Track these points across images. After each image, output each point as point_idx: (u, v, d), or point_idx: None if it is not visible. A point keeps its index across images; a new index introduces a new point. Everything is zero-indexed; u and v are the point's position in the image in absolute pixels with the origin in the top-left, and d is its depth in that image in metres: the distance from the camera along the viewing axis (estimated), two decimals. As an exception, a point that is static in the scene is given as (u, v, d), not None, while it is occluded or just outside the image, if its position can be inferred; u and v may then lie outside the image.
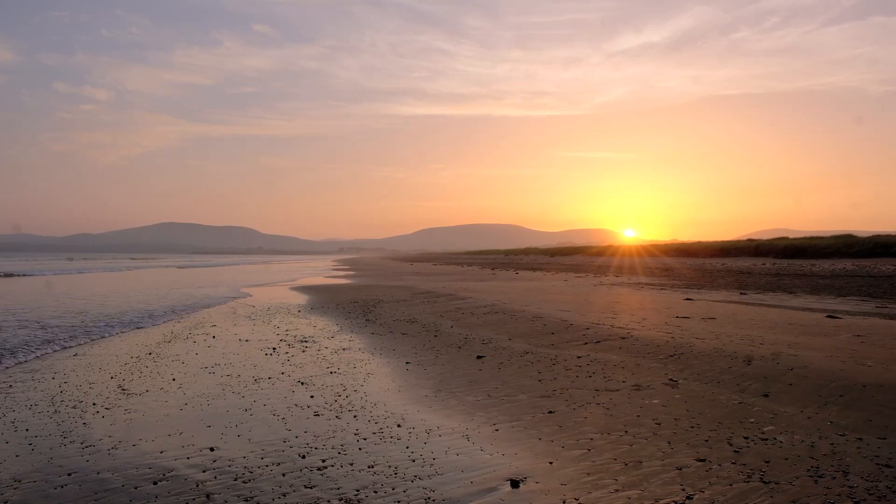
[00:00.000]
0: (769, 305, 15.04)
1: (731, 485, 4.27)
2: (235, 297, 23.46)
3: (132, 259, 78.56)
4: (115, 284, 33.69)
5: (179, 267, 68.69)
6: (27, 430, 6.05)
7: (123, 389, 7.80)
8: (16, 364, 9.59)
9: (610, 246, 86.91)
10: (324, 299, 21.54)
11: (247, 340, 12.03)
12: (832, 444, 4.99)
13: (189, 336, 12.70)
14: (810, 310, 13.80)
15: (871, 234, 46.53)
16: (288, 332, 13.11)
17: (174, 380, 8.36)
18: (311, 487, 4.55)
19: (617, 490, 4.29)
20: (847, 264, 35.29)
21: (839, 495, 4.02)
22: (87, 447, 5.54)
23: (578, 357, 8.87)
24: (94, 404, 7.04)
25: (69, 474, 4.90)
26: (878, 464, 4.55)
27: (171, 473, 4.86)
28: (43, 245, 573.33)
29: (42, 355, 10.38)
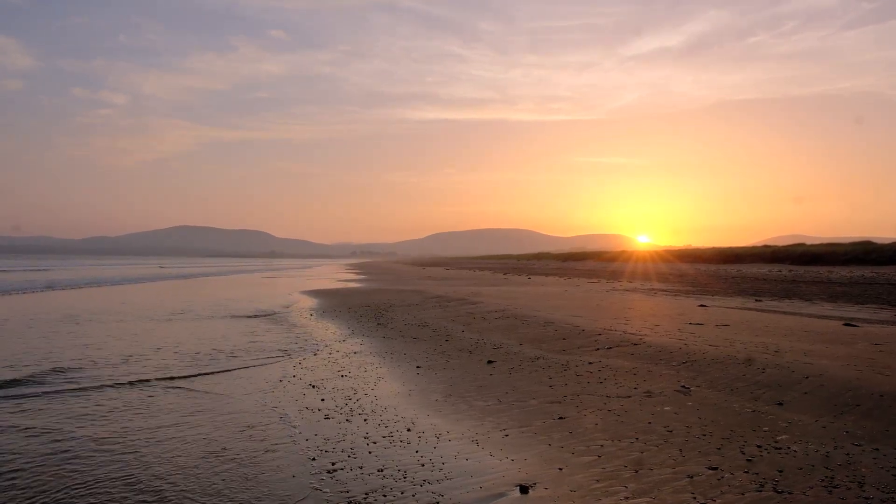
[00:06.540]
0: (785, 312, 14.84)
1: (743, 494, 4.21)
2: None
3: (161, 267, 78.78)
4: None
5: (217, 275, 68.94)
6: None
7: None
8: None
9: (623, 251, 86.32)
10: (335, 303, 21.63)
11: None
12: (848, 453, 4.91)
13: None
14: (827, 317, 13.60)
15: (890, 241, 45.78)
16: (299, 336, 13.18)
17: (187, 382, 8.44)
18: (320, 490, 4.57)
19: (627, 497, 4.26)
20: (866, 271, 34.74)
21: (854, 506, 3.95)
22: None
23: (590, 363, 8.82)
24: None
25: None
26: (894, 475, 4.46)
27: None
28: (62, 248, 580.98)
29: None
